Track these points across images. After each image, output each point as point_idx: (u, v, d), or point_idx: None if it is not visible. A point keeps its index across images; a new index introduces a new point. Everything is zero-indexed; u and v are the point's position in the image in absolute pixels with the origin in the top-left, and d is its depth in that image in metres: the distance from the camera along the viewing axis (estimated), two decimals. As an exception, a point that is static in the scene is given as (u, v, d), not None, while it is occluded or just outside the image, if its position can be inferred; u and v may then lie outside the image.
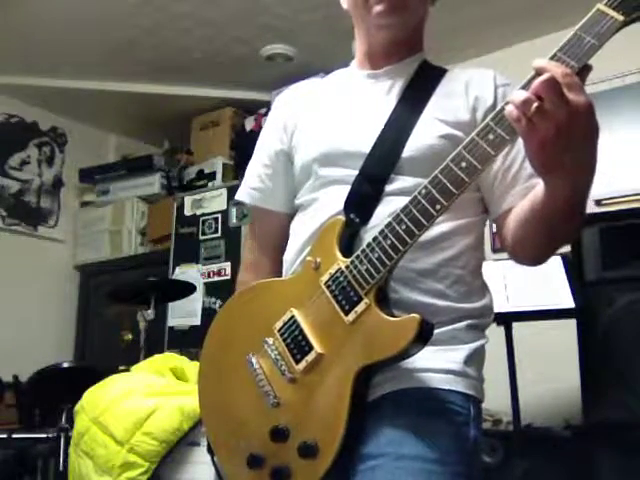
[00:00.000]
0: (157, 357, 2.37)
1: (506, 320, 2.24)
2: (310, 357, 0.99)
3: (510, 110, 0.82)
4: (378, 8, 1.11)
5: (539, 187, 0.95)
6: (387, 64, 1.19)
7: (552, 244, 1.03)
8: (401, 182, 1.06)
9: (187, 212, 3.65)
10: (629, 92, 2.96)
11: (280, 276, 1.21)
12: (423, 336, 0.90)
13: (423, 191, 0.92)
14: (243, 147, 3.81)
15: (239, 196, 1.30)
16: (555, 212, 0.93)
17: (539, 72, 0.81)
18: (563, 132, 0.81)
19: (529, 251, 1.05)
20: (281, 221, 1.26)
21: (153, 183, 4.07)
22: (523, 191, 1.06)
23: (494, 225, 1.15)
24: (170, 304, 3.41)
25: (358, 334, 0.95)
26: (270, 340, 1.05)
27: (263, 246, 1.29)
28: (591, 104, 0.81)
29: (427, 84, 1.15)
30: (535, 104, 0.80)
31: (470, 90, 1.13)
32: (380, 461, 0.94)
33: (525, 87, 0.83)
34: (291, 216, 1.25)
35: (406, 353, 0.92)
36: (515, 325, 2.27)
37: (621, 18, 0.82)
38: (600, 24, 0.82)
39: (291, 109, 1.26)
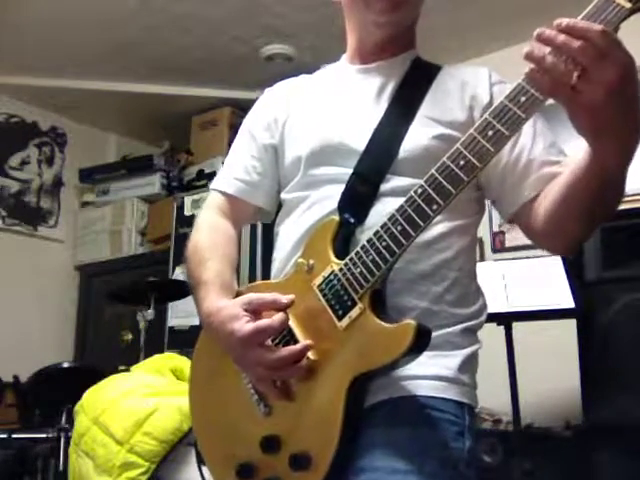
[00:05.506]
0: (157, 357, 2.37)
1: (506, 320, 2.24)
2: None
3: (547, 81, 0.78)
4: (379, 5, 1.08)
5: (578, 158, 0.90)
6: (378, 59, 1.17)
7: (596, 220, 0.97)
8: (396, 182, 1.03)
9: (187, 212, 3.64)
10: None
11: (236, 253, 1.15)
12: (419, 343, 0.85)
13: (419, 190, 0.88)
14: (243, 147, 3.80)
15: (220, 185, 1.21)
16: (604, 181, 0.87)
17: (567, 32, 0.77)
18: (615, 93, 0.76)
19: (568, 233, 0.99)
20: (255, 215, 1.23)
21: (153, 183, 4.07)
22: (535, 182, 1.02)
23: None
24: (170, 304, 3.40)
25: (352, 341, 0.90)
26: None
27: (232, 224, 1.20)
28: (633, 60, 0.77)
29: (421, 82, 1.13)
30: (575, 73, 0.76)
31: (466, 89, 1.11)
32: (374, 475, 0.90)
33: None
34: (266, 211, 1.22)
35: (402, 361, 0.88)
36: (515, 325, 2.27)
37: (628, 5, 0.77)
38: (606, 11, 0.78)
39: (281, 103, 1.22)
